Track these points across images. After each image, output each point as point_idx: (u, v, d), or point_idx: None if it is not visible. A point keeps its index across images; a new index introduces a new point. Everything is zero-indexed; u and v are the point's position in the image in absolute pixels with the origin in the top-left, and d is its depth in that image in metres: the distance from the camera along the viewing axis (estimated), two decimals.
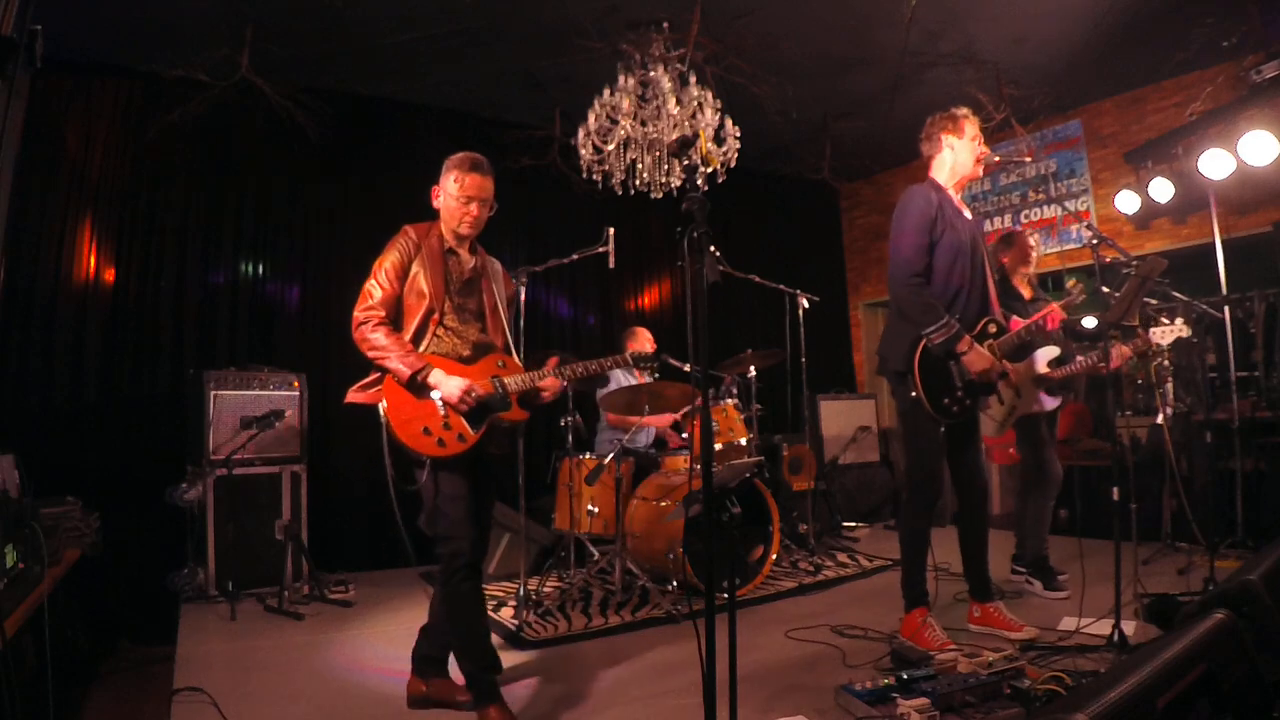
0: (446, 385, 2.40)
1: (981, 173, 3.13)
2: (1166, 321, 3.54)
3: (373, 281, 2.48)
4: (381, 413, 2.37)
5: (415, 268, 2.51)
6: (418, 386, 2.40)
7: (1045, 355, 3.77)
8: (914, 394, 2.89)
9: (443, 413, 2.40)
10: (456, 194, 2.50)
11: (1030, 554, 3.71)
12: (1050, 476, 3.70)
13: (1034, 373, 3.71)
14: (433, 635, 2.58)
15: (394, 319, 2.48)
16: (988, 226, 6.30)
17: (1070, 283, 3.11)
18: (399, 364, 2.37)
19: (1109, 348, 3.14)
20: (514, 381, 2.53)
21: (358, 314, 2.44)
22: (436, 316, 2.50)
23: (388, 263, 2.49)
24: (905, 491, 3.10)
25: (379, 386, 2.42)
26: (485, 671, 2.38)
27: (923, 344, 2.88)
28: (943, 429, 2.96)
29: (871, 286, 7.49)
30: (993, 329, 3.00)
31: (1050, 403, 3.75)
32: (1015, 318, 3.36)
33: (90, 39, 4.23)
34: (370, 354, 2.41)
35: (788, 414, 5.79)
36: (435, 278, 2.51)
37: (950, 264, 2.96)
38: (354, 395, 2.48)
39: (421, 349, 2.46)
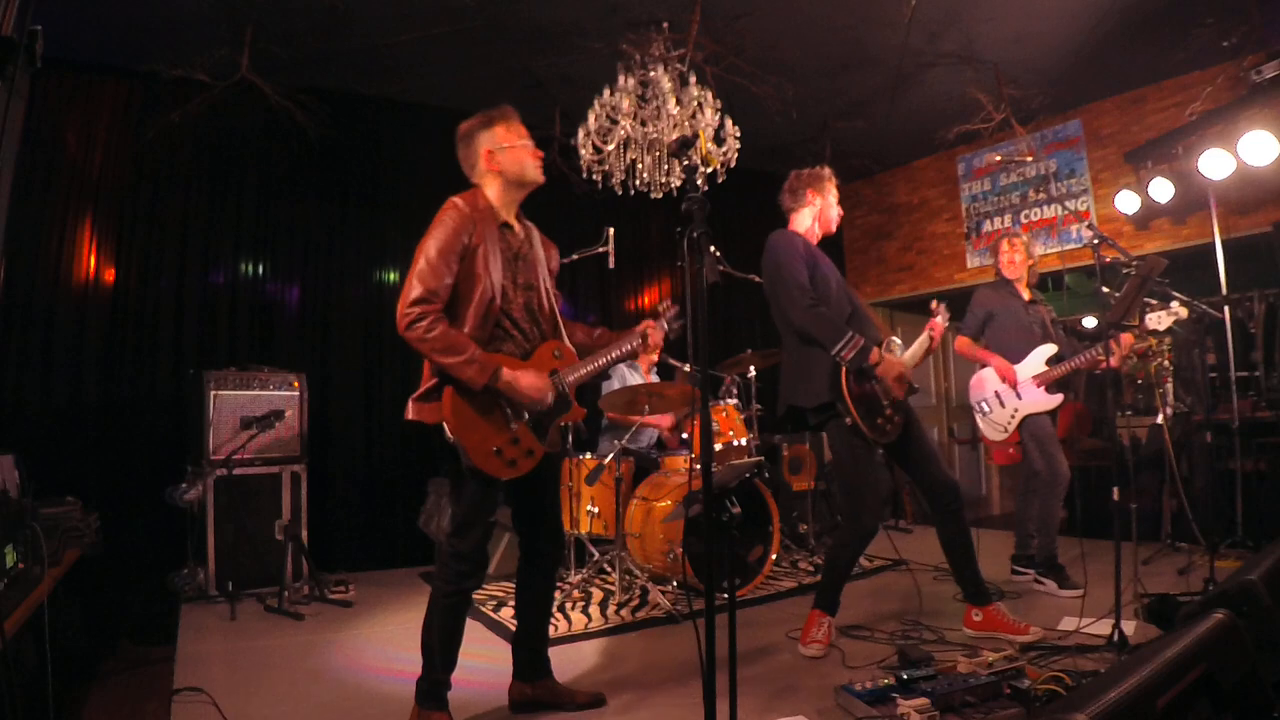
0: (518, 386, 2.09)
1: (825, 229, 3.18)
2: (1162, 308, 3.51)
3: (423, 267, 2.07)
4: (449, 436, 2.04)
5: (473, 247, 2.13)
6: (486, 394, 2.09)
7: (1043, 353, 3.77)
8: (849, 420, 2.78)
9: (512, 427, 2.12)
10: (520, 140, 2.28)
11: (1041, 553, 3.70)
12: (1060, 475, 3.69)
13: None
14: (529, 637, 2.45)
15: (449, 310, 2.12)
16: (987, 227, 6.30)
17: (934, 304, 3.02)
18: (471, 371, 2.02)
19: (1109, 348, 3.14)
20: (572, 374, 2.27)
21: (409, 309, 2.04)
22: (499, 304, 2.17)
23: (440, 242, 2.09)
24: (846, 521, 2.98)
25: (439, 400, 2.08)
26: (446, 677, 2.29)
27: (844, 369, 2.79)
28: (880, 451, 2.91)
29: (872, 286, 7.49)
30: (895, 346, 2.97)
31: (1051, 401, 3.74)
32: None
33: (90, 39, 4.24)
34: (434, 357, 2.05)
35: None
36: (494, 258, 2.16)
37: (834, 292, 2.95)
38: (417, 411, 2.12)
39: (486, 347, 2.15)
